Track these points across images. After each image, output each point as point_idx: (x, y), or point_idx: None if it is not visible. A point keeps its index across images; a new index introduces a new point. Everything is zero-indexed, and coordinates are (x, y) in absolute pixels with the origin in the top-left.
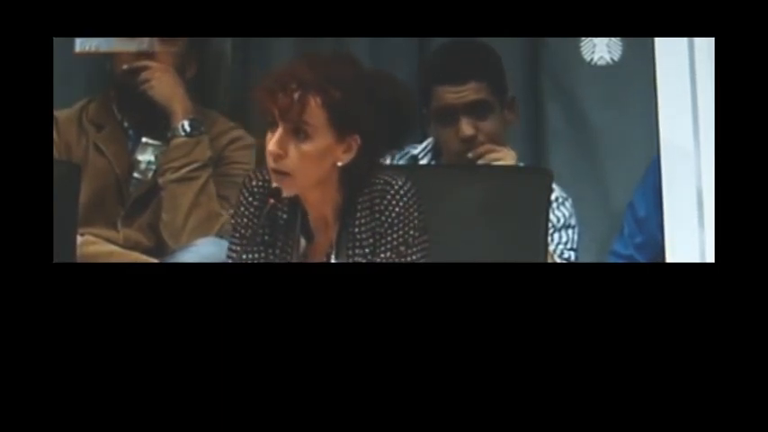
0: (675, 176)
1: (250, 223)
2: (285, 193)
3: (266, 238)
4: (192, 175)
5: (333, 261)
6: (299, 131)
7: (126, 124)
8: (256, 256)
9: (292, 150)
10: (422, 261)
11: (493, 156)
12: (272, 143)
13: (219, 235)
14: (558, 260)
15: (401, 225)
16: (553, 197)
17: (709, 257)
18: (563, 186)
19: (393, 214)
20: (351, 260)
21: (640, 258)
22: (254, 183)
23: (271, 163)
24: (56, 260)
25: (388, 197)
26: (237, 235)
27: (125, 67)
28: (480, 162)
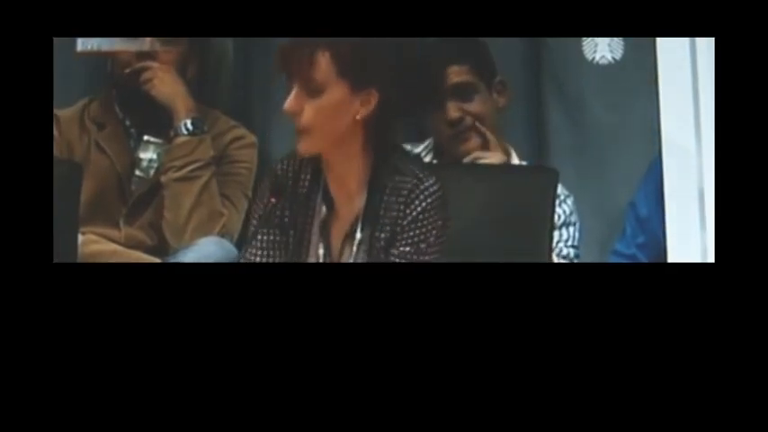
0: (677, 176)
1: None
2: (305, 152)
3: (285, 213)
4: (194, 174)
5: (358, 236)
6: (311, 87)
7: (128, 123)
8: (276, 235)
9: (307, 106)
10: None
11: (482, 161)
12: (287, 102)
13: (221, 234)
14: (558, 259)
15: (425, 223)
16: None
17: (711, 257)
18: (564, 185)
19: (418, 209)
20: (374, 240)
21: (643, 258)
22: (279, 166)
23: (294, 121)
24: (57, 260)
25: (417, 192)
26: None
27: (127, 70)
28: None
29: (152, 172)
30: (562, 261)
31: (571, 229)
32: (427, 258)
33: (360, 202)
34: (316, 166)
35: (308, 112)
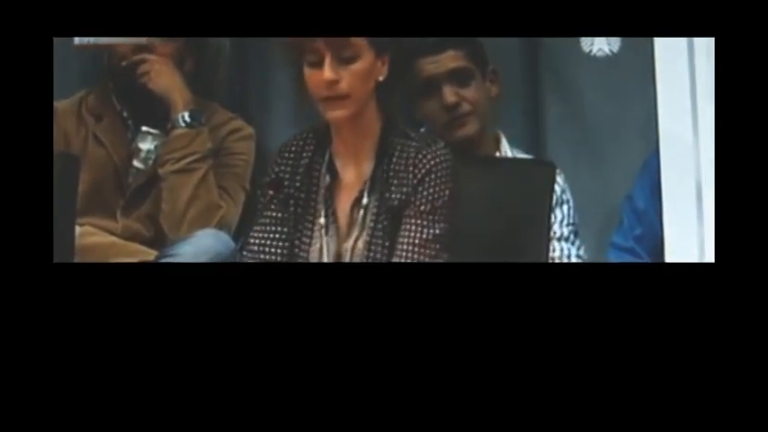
0: (674, 168)
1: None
2: (339, 119)
3: (288, 184)
4: (191, 167)
5: (365, 201)
6: (345, 54)
7: (125, 114)
8: (276, 211)
9: (345, 73)
10: (443, 233)
11: None
12: (326, 71)
13: (219, 226)
14: (558, 243)
15: (436, 182)
16: None
17: (708, 249)
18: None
19: (426, 167)
20: (382, 203)
21: (640, 250)
22: (283, 151)
23: (324, 92)
24: (55, 251)
25: (425, 152)
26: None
27: (124, 63)
28: None
29: (150, 163)
30: (563, 243)
31: (565, 207)
32: (438, 230)
33: (368, 167)
34: (320, 137)
35: (347, 79)
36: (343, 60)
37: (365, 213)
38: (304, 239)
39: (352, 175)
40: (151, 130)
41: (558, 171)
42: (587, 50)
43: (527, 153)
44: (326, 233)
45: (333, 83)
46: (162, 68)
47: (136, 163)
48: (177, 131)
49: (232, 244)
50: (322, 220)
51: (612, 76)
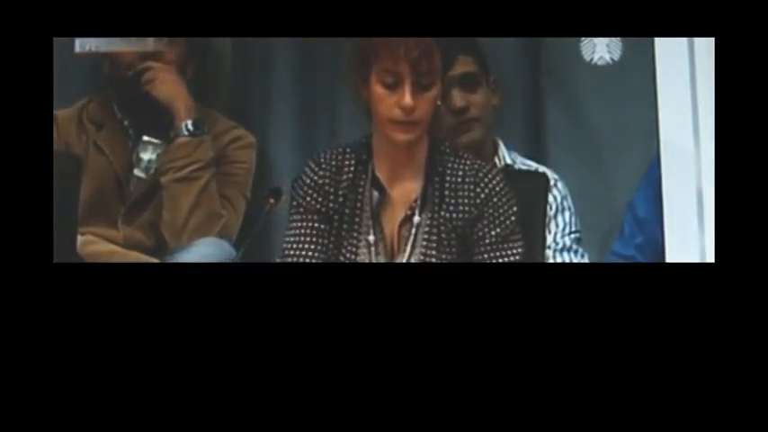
0: (675, 176)
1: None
2: (406, 141)
3: (327, 201)
4: (193, 175)
5: (416, 219)
6: (424, 82)
7: (126, 123)
8: (315, 221)
9: (422, 100)
10: (519, 259)
11: None
12: (407, 97)
13: (220, 235)
14: (560, 254)
15: (503, 201)
16: None
17: (710, 258)
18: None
19: (489, 186)
20: (439, 221)
21: (641, 259)
22: (331, 161)
23: (398, 115)
24: (56, 254)
25: (484, 171)
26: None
27: (129, 72)
28: None
29: (151, 172)
30: (565, 254)
31: (567, 214)
32: (517, 248)
33: (415, 185)
34: (360, 153)
35: (423, 106)
36: (422, 87)
37: (417, 231)
38: (348, 256)
39: (400, 192)
40: (152, 140)
41: (557, 178)
42: (588, 58)
43: (527, 159)
44: (376, 251)
45: (411, 109)
46: (166, 77)
47: (136, 172)
48: (180, 140)
49: (233, 252)
50: (371, 238)
51: (613, 84)
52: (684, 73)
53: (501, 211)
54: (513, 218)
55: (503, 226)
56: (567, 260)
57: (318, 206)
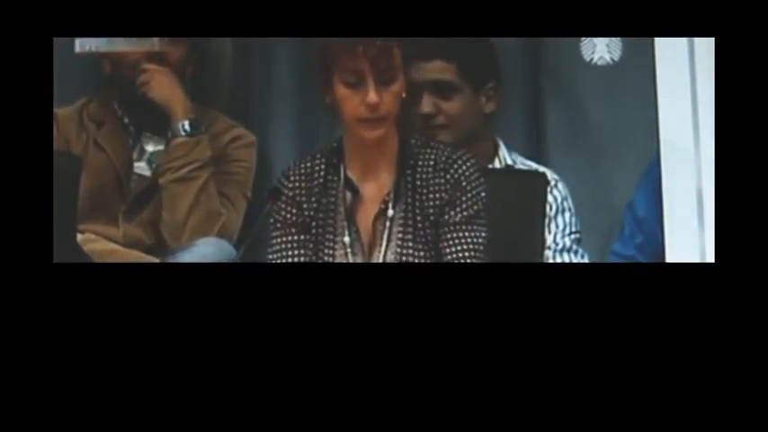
0: (675, 176)
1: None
2: (375, 137)
3: (302, 212)
4: (192, 175)
5: (390, 213)
6: (386, 78)
7: (126, 120)
8: (294, 234)
9: (386, 96)
10: (487, 237)
11: None
12: (371, 95)
13: (220, 234)
14: (560, 255)
15: (472, 186)
16: None
17: (710, 258)
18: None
19: (459, 171)
20: (413, 213)
21: (641, 258)
22: (300, 170)
23: (364, 114)
24: (56, 251)
25: (453, 158)
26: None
27: (124, 72)
28: None
29: (154, 165)
30: (565, 255)
31: (567, 215)
32: (484, 234)
33: (388, 179)
34: (331, 157)
35: (388, 101)
36: (384, 82)
37: (391, 225)
38: (326, 260)
39: (373, 188)
40: (152, 136)
41: (558, 179)
42: (588, 58)
43: (528, 160)
44: (352, 251)
45: (376, 105)
46: (162, 79)
47: (137, 167)
48: (177, 140)
49: (233, 252)
50: (347, 239)
51: (613, 84)
52: (684, 73)
53: (469, 195)
54: (480, 203)
55: (470, 210)
56: (567, 261)
57: (294, 218)
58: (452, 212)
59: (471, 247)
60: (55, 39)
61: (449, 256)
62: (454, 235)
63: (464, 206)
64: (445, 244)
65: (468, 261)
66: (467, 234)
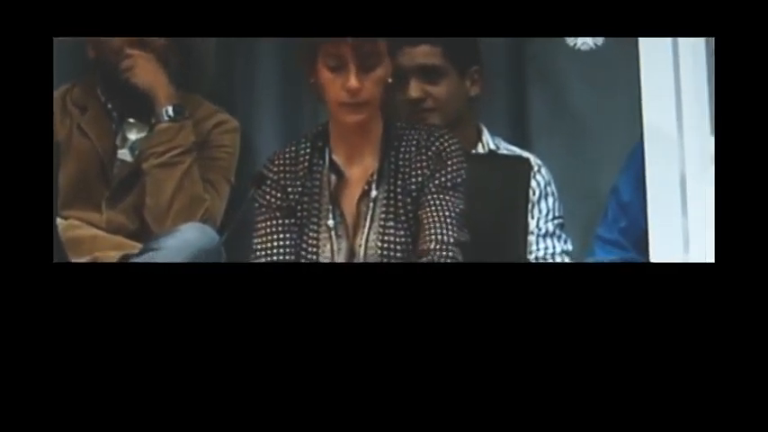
0: (658, 161)
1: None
2: (356, 122)
3: (287, 196)
4: (175, 160)
5: (373, 194)
6: (368, 63)
7: (110, 106)
8: (279, 218)
9: (368, 81)
10: (465, 210)
11: None
12: (352, 79)
13: (204, 219)
14: (541, 240)
15: (452, 160)
16: None
17: (693, 241)
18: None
19: (437, 144)
20: (396, 192)
21: (625, 242)
22: (285, 155)
23: (345, 98)
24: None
25: (435, 136)
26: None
27: (108, 58)
28: None
29: (136, 153)
30: (548, 240)
31: (550, 200)
32: (462, 206)
33: (372, 161)
34: (316, 141)
35: (369, 86)
36: (366, 68)
37: (374, 206)
38: (311, 242)
39: (358, 171)
40: (135, 122)
41: (541, 164)
42: (572, 44)
43: (512, 145)
44: (336, 234)
45: (357, 90)
46: (146, 65)
47: (122, 153)
48: (161, 126)
49: (217, 237)
50: (330, 222)
51: (597, 69)
52: (668, 58)
53: (449, 169)
54: (460, 177)
55: (450, 181)
56: (551, 245)
57: (279, 202)
58: (434, 182)
59: (448, 213)
60: (55, 39)
61: (426, 221)
62: (433, 198)
63: (445, 177)
64: (425, 209)
65: (446, 225)
66: (446, 199)
